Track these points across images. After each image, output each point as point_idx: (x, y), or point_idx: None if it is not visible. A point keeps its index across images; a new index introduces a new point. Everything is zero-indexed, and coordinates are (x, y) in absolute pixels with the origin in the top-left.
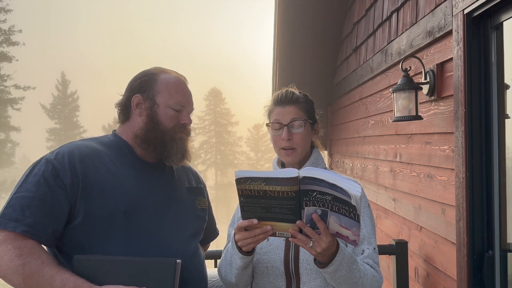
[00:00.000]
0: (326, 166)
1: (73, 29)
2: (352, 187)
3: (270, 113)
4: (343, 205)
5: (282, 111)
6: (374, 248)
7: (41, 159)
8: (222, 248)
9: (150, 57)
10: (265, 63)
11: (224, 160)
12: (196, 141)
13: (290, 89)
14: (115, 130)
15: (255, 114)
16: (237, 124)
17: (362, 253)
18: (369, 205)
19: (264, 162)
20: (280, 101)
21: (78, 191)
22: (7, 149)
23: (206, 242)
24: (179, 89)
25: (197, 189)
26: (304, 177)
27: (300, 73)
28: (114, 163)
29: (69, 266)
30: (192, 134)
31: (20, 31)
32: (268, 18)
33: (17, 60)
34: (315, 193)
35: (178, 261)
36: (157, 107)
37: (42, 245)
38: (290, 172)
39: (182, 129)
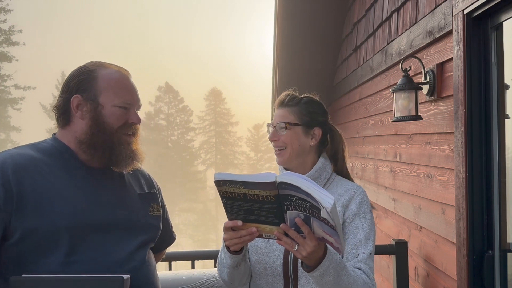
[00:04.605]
0: (332, 173)
1: (73, 29)
2: (325, 198)
3: None
4: (320, 213)
5: (275, 114)
6: (370, 253)
7: None
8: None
9: (150, 56)
10: (266, 63)
11: (224, 160)
12: (196, 141)
13: (290, 93)
14: (55, 134)
15: (255, 114)
16: (237, 124)
17: (357, 257)
18: (371, 211)
19: (264, 162)
20: (277, 104)
21: (13, 206)
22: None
23: (161, 248)
24: (123, 85)
25: (150, 195)
26: (281, 182)
27: (300, 73)
28: (54, 173)
29: (6, 286)
30: (192, 134)
31: (20, 31)
32: (268, 18)
33: (17, 60)
34: (294, 198)
35: (126, 276)
36: (101, 108)
37: None
38: (267, 177)
39: (129, 128)
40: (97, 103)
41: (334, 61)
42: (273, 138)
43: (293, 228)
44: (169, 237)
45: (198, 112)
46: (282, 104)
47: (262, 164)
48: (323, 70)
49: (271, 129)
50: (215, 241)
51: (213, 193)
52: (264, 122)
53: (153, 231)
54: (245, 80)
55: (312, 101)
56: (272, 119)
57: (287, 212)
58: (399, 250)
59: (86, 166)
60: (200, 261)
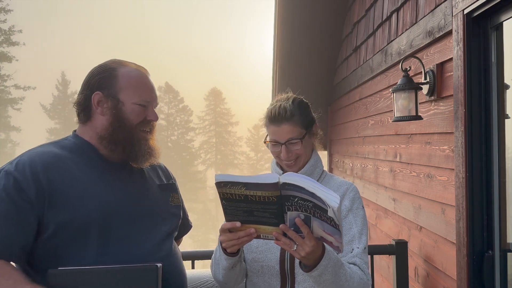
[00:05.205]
0: (324, 169)
1: (73, 29)
2: (331, 198)
3: (266, 128)
4: (324, 213)
5: (277, 130)
6: (364, 248)
7: None
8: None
9: (150, 56)
10: (266, 63)
11: (224, 160)
12: (196, 141)
13: (282, 104)
14: (75, 131)
15: (255, 114)
16: (237, 124)
17: (352, 252)
18: (363, 207)
19: (264, 162)
20: (274, 119)
21: (45, 202)
22: (7, 149)
23: (179, 236)
24: (142, 84)
25: (169, 186)
26: (285, 183)
27: (300, 73)
28: (79, 168)
29: (43, 281)
30: (192, 134)
31: (20, 31)
32: (268, 18)
33: (17, 60)
34: (296, 199)
35: (159, 265)
36: (122, 105)
37: (12, 263)
38: (270, 178)
39: (147, 125)
40: (117, 100)
41: (334, 61)
42: (288, 155)
43: (292, 228)
44: (186, 226)
45: (198, 112)
46: (282, 119)
47: (262, 164)
48: (323, 70)
49: (282, 148)
50: (215, 241)
51: (213, 193)
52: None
53: (175, 220)
54: (245, 80)
55: (301, 101)
56: (268, 133)
57: (287, 212)
58: (399, 250)
59: (107, 160)
60: (200, 261)
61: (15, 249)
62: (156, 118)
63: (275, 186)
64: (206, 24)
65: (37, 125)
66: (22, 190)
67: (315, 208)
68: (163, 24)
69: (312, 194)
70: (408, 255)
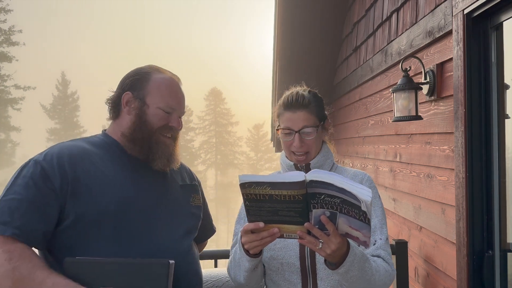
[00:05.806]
0: (334, 162)
1: (73, 29)
2: (362, 192)
3: (279, 116)
4: (353, 208)
5: (292, 117)
6: (387, 238)
7: (29, 160)
8: (227, 246)
9: (151, 56)
10: (266, 63)
11: (224, 160)
12: (196, 141)
13: (300, 91)
14: (105, 130)
15: (255, 114)
16: (237, 124)
17: (375, 244)
18: (379, 196)
19: (264, 162)
20: (291, 105)
21: (68, 192)
22: (7, 149)
23: (203, 239)
24: (171, 91)
25: (191, 186)
26: (312, 181)
27: (300, 73)
28: (104, 163)
29: (60, 269)
30: (192, 134)
31: (20, 31)
32: (268, 18)
33: (17, 60)
34: (323, 196)
35: (171, 261)
36: (146, 107)
37: (33, 248)
38: (297, 176)
39: (168, 130)
40: (143, 102)
41: (334, 61)
42: (301, 145)
43: (317, 226)
44: (209, 229)
45: (198, 112)
46: (299, 105)
47: (262, 164)
48: (323, 70)
49: (296, 136)
50: (215, 241)
51: (213, 193)
52: (264, 122)
53: (194, 220)
54: (245, 80)
55: (316, 94)
56: (280, 122)
57: (313, 210)
58: (399, 250)
59: (133, 158)
60: (200, 261)
61: (37, 235)
62: (179, 125)
63: (302, 184)
64: (206, 24)
65: (37, 125)
66: (48, 179)
67: (343, 204)
68: (163, 24)
69: (342, 190)
70: (408, 255)
